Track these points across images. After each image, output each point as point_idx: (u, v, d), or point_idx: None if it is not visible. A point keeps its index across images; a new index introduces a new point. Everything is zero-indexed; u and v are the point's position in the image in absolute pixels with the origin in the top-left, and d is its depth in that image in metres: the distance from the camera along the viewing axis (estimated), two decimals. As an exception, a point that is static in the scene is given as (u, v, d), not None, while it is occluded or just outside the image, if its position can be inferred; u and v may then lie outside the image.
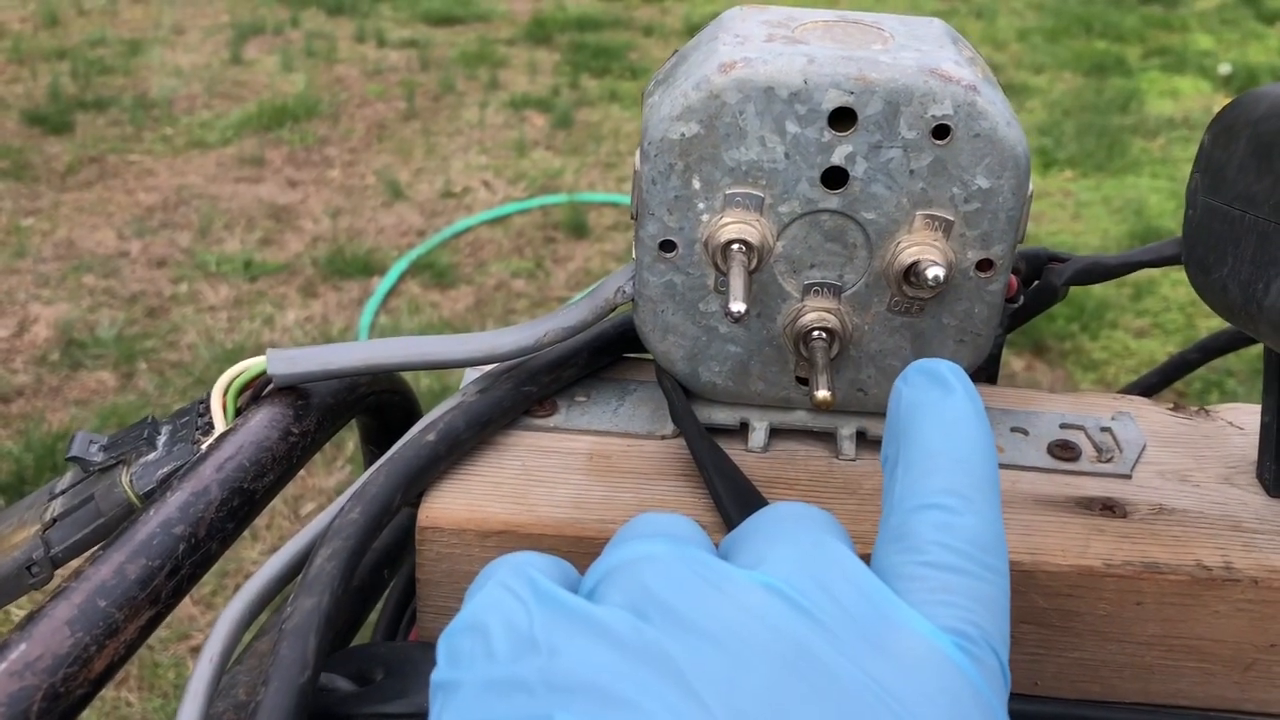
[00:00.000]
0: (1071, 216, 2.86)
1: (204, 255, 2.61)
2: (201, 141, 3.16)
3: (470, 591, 0.27)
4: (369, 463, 0.54)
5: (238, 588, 1.96)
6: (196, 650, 1.67)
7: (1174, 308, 2.45)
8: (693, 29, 3.95)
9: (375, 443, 0.52)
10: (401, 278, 2.56)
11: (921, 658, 0.24)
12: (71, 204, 2.83)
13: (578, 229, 2.76)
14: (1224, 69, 3.67)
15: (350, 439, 2.00)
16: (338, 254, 2.61)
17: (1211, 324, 2.32)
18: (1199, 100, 3.50)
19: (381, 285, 2.51)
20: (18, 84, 3.46)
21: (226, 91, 3.48)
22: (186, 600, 1.52)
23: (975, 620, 0.25)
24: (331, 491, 1.95)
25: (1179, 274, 2.55)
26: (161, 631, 1.69)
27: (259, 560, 1.81)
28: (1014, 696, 0.28)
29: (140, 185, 2.93)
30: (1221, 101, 3.46)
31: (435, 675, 0.25)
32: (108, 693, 1.62)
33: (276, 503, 1.95)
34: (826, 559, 0.26)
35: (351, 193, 2.93)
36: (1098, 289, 2.48)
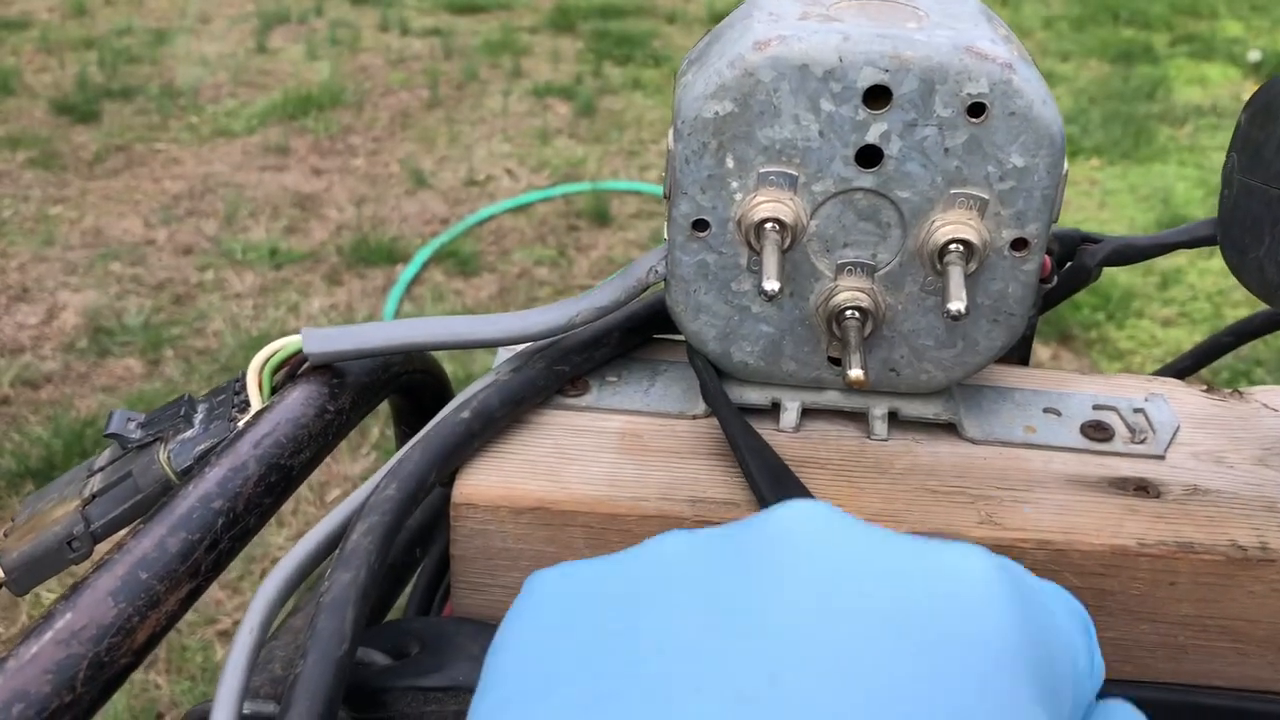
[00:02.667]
0: (1098, 205, 2.84)
1: (230, 243, 2.62)
2: (227, 130, 3.18)
3: None
4: (401, 443, 0.54)
5: (264, 573, 1.97)
6: (224, 634, 1.69)
7: (1201, 296, 2.43)
8: (716, 16, 3.94)
9: (407, 423, 0.52)
10: (425, 266, 2.57)
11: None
12: (99, 192, 2.85)
13: (600, 217, 2.76)
14: (1254, 55, 3.62)
15: (375, 426, 2.01)
16: (362, 242, 2.62)
17: (1239, 313, 2.30)
18: (1227, 87, 3.47)
19: (405, 273, 2.52)
20: (46, 73, 3.49)
21: (252, 80, 3.50)
22: (214, 584, 1.54)
23: None
24: (357, 478, 1.96)
25: (1206, 262, 2.52)
26: (189, 615, 1.71)
27: (285, 546, 1.82)
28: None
29: (166, 174, 2.95)
30: (1250, 89, 3.42)
31: None
32: (136, 675, 1.64)
33: (302, 489, 1.97)
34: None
35: (375, 181, 2.94)
36: (1124, 277, 2.46)
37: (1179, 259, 2.54)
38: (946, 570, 0.23)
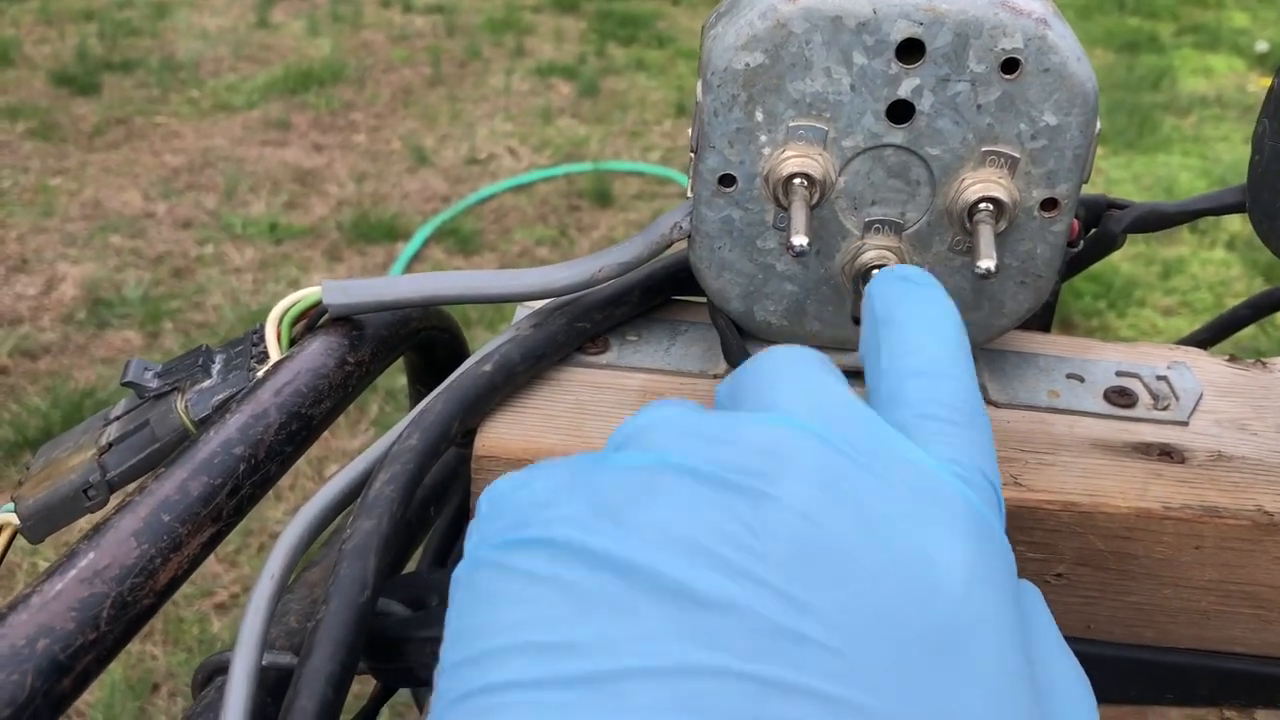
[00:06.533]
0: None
1: (229, 217, 2.61)
2: (227, 104, 3.16)
3: None
4: (415, 402, 0.54)
5: (262, 547, 1.95)
6: (221, 607, 1.69)
7: (1203, 286, 2.43)
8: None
9: (422, 381, 0.52)
10: (426, 243, 2.56)
11: (930, 484, 0.26)
12: (98, 164, 2.84)
13: (602, 197, 2.75)
14: (1260, 46, 3.62)
15: (374, 402, 2.00)
16: (362, 218, 2.61)
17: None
18: (1233, 78, 3.46)
19: (406, 250, 2.51)
20: (46, 45, 3.47)
21: (253, 55, 3.48)
22: (211, 557, 1.53)
23: (968, 453, 0.27)
24: (355, 454, 1.96)
25: (1208, 252, 2.52)
26: (186, 588, 1.70)
27: (284, 520, 1.82)
28: (1067, 639, 0.28)
29: (166, 147, 2.93)
30: (1257, 80, 3.41)
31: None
32: (133, 646, 1.64)
33: (301, 464, 1.96)
34: (832, 399, 0.27)
35: (377, 158, 2.93)
36: (1126, 266, 2.46)
37: (1181, 248, 2.54)
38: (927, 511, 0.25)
